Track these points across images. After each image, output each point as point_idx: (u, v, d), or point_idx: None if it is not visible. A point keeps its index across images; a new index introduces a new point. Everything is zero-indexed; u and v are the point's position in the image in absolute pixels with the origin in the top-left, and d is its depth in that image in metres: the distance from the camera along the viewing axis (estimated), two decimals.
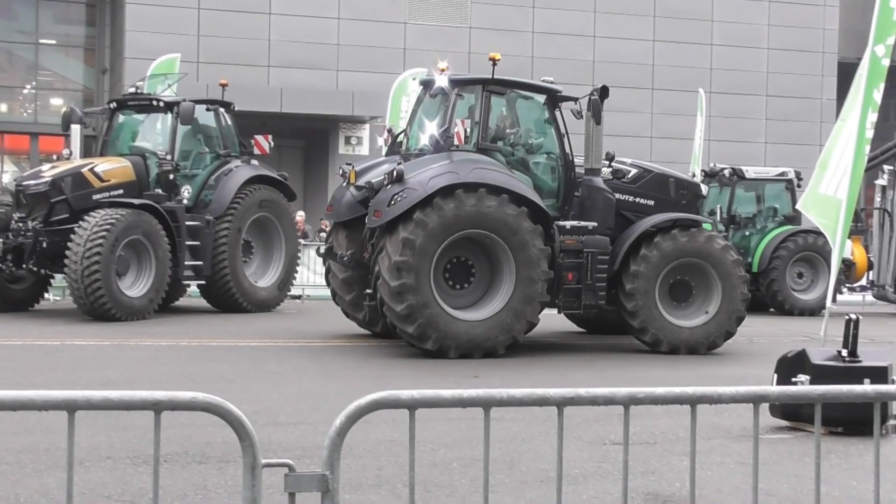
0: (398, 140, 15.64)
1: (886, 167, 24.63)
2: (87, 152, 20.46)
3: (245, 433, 3.61)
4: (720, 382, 5.08)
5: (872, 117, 12.54)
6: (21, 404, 3.50)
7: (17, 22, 34.57)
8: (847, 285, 24.64)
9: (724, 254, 14.93)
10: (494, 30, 33.74)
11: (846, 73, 37.50)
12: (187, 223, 18.58)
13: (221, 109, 20.10)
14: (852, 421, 8.52)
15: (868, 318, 14.30)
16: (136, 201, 17.78)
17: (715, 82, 35.51)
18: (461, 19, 33.98)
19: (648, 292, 14.64)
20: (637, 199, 15.31)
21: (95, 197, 17.91)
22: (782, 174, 24.42)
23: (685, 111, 31.39)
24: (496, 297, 13.97)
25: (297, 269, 21.09)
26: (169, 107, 19.10)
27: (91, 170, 18.19)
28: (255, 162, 20.23)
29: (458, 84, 14.70)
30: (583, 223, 14.55)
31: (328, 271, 15.84)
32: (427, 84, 15.28)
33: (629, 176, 15.46)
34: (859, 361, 8.78)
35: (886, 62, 12.59)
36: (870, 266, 24.24)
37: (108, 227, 16.92)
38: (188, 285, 19.94)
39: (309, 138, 34.20)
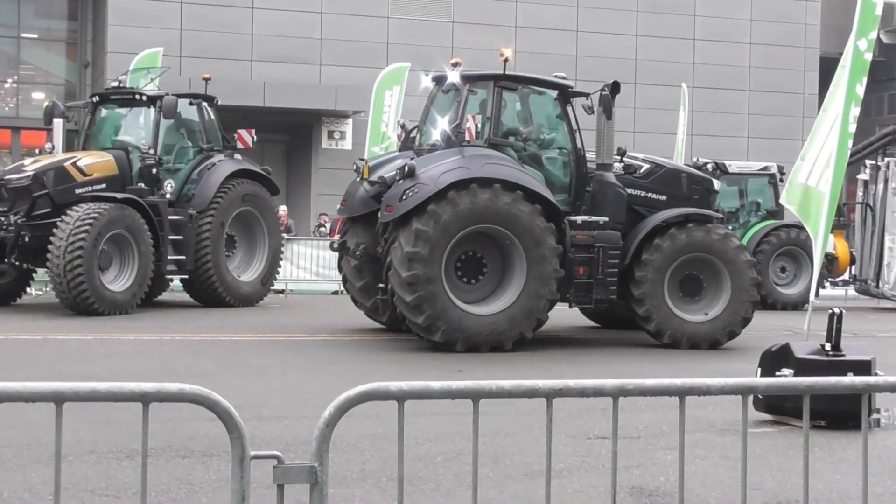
0: (411, 135, 15.66)
1: (868, 162, 24.71)
2: (69, 146, 20.35)
3: (234, 425, 3.59)
4: (704, 376, 5.08)
5: (855, 111, 12.57)
6: (8, 396, 3.47)
7: None
8: (830, 280, 24.74)
9: (737, 253, 14.90)
10: (477, 24, 33.71)
11: (828, 68, 37.57)
12: (170, 217, 18.52)
13: (204, 104, 20.04)
14: (835, 414, 8.53)
15: (850, 312, 14.32)
16: (118, 195, 17.71)
17: (697, 77, 35.57)
18: (444, 14, 33.93)
19: (657, 285, 14.67)
20: (649, 195, 15.34)
21: (78, 191, 17.83)
22: (765, 169, 24.47)
23: (668, 106, 31.42)
24: (507, 292, 14.03)
25: (280, 263, 21.05)
26: (152, 101, 19.03)
27: (74, 164, 18.10)
28: (238, 156, 20.18)
29: (470, 80, 14.80)
30: (594, 218, 14.61)
31: (344, 279, 16.02)
32: (439, 80, 15.33)
33: (641, 171, 15.50)
34: (843, 355, 8.80)
35: (869, 56, 12.62)
36: (852, 260, 24.33)
37: (90, 221, 16.85)
38: (171, 280, 19.89)
39: (292, 133, 34.13)
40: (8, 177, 17.95)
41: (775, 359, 9.02)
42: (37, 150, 20.46)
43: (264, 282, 20.35)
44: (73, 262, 16.59)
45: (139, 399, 3.54)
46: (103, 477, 6.58)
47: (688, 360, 13.64)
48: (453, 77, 14.69)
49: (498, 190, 13.68)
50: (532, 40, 34.03)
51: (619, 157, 15.15)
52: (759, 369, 9.16)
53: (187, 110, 19.75)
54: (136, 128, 19.60)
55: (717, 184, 16.31)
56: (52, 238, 16.84)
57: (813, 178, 12.85)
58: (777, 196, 23.71)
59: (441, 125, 14.76)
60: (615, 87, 14.65)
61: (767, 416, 8.98)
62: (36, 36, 35.33)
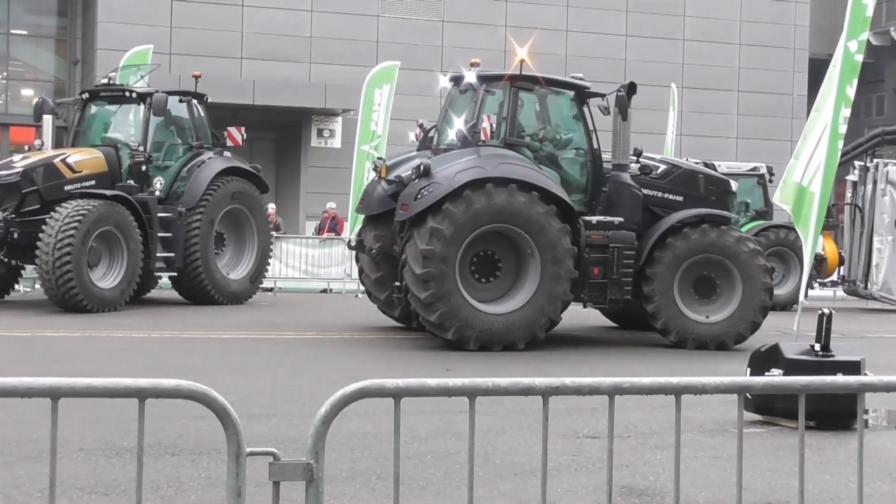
0: (429, 135, 15.68)
1: (857, 163, 24.78)
2: (58, 143, 20.31)
3: (230, 422, 3.57)
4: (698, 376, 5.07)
5: (845, 112, 12.60)
6: (4, 391, 3.44)
7: None
8: (818, 280, 24.79)
9: (750, 257, 14.84)
10: (467, 23, 33.72)
11: (817, 70, 37.66)
12: (159, 215, 18.48)
13: (194, 101, 19.99)
14: (824, 415, 8.54)
15: (839, 313, 14.35)
16: (107, 192, 17.67)
17: (687, 77, 35.61)
18: (434, 13, 33.92)
19: (667, 284, 14.67)
20: (666, 195, 15.35)
21: (67, 188, 17.78)
22: (754, 169, 24.50)
23: (657, 106, 31.44)
24: (520, 292, 14.07)
25: (270, 261, 21.02)
26: (141, 98, 18.98)
27: (63, 160, 18.05)
28: (227, 154, 20.14)
29: (487, 80, 14.84)
30: (609, 218, 14.65)
31: (360, 271, 16.03)
32: (457, 80, 15.35)
33: (658, 171, 15.53)
34: (832, 356, 8.80)
35: (860, 58, 12.64)
36: (841, 261, 24.37)
37: (79, 218, 16.80)
38: (160, 277, 19.84)
39: (281, 130, 34.09)
40: None
41: (765, 359, 9.02)
42: (26, 147, 20.38)
43: (253, 280, 20.32)
44: (61, 258, 16.53)
45: (135, 395, 3.52)
46: (92, 474, 6.56)
47: (677, 360, 13.63)
48: (470, 77, 14.77)
49: (514, 190, 13.73)
50: (522, 40, 33.99)
51: (635, 158, 15.18)
52: (749, 370, 9.16)
53: (177, 107, 19.69)
54: (126, 125, 19.55)
55: (734, 185, 16.27)
56: (41, 235, 16.79)
57: (806, 177, 12.87)
58: (766, 196, 23.76)
59: (457, 125, 14.85)
60: (631, 88, 14.71)
61: (757, 417, 8.98)
62: (25, 32, 35.21)
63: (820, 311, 8.97)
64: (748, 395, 8.46)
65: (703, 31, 36.40)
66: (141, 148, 18.65)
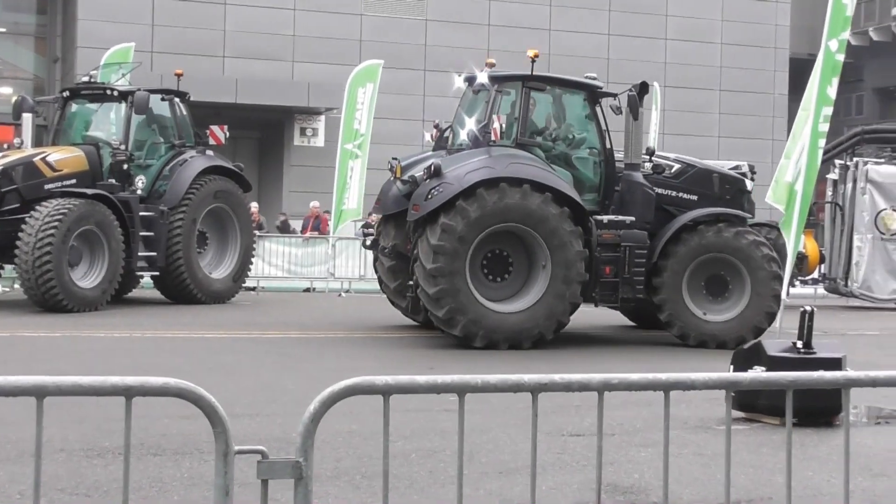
0: (445, 135, 15.73)
1: (838, 162, 24.88)
2: (38, 142, 20.21)
3: (218, 419, 3.55)
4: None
5: (826, 111, 12.64)
6: None
7: None
8: (799, 278, 24.86)
9: (763, 261, 14.75)
10: (451, 22, 33.72)
11: (798, 69, 37.83)
12: (141, 214, 18.40)
13: (176, 99, 19.92)
14: (806, 412, 8.55)
15: (820, 310, 14.40)
16: (88, 191, 17.58)
17: (669, 76, 35.67)
18: (418, 11, 33.90)
19: (675, 282, 14.69)
20: (680, 194, 15.35)
21: (47, 186, 17.69)
22: (736, 168, 24.49)
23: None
24: (530, 292, 14.12)
25: (252, 260, 20.96)
26: (123, 96, 18.90)
27: (43, 159, 17.95)
28: (210, 152, 20.07)
29: (499, 80, 14.87)
30: (620, 217, 14.69)
31: (375, 259, 16.19)
32: (470, 80, 15.38)
33: (672, 171, 15.55)
34: (814, 353, 8.84)
35: (841, 57, 12.68)
36: (822, 259, 24.47)
37: (60, 217, 16.72)
38: (142, 276, 19.76)
39: (264, 129, 34.01)
40: None
41: (748, 357, 9.05)
42: (5, 146, 20.30)
43: (236, 279, 20.26)
44: (41, 258, 16.45)
45: (122, 393, 3.49)
46: (73, 475, 6.51)
47: (656, 358, 13.65)
48: (482, 77, 14.80)
49: (527, 190, 13.79)
50: (505, 39, 34.02)
51: (647, 157, 15.20)
52: (732, 367, 9.18)
53: (159, 106, 19.62)
54: (107, 123, 19.46)
55: (749, 184, 16.25)
56: (20, 234, 16.69)
57: (795, 175, 12.92)
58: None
59: (469, 125, 14.93)
60: (643, 88, 14.78)
61: (740, 414, 8.99)
62: (4, 30, 35.04)
63: (802, 309, 9.01)
64: (732, 392, 8.50)
65: (685, 31, 36.50)
66: (122, 146, 18.57)
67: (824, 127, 12.59)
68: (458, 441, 3.84)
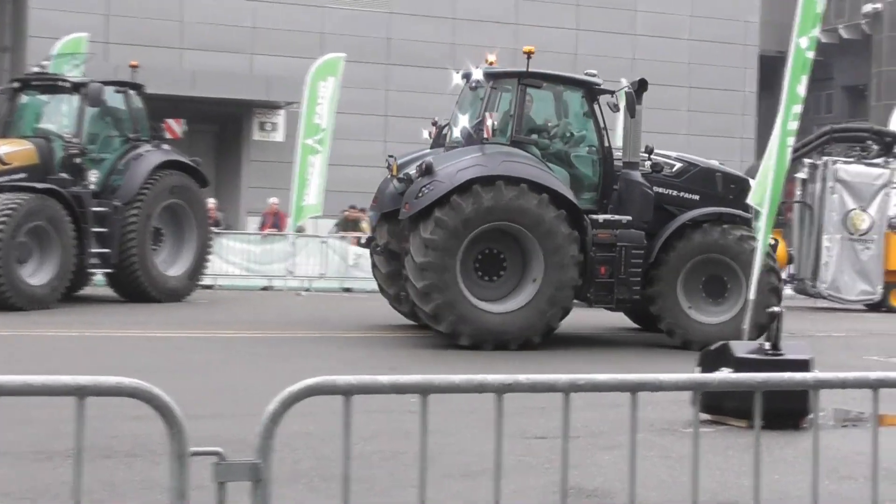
0: (444, 133, 15.79)
1: (807, 161, 25.07)
2: None
3: (173, 419, 3.53)
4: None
5: (795, 109, 12.72)
6: None
7: None
8: None
9: (753, 256, 14.67)
10: (416, 15, 33.69)
11: (767, 66, 38.14)
12: (94, 209, 18.27)
13: (131, 92, 19.82)
14: (773, 414, 8.59)
15: (788, 311, 14.49)
16: (39, 185, 17.43)
17: (637, 72, 35.62)
18: (382, 4, 33.85)
19: (670, 284, 14.71)
20: (682, 194, 15.35)
21: None
22: None
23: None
24: (521, 293, 14.15)
25: (209, 257, 20.86)
26: (76, 88, 18.76)
27: None
28: (166, 146, 19.99)
29: (494, 77, 14.91)
30: (616, 217, 14.69)
31: (373, 265, 16.27)
32: (467, 77, 15.37)
33: (674, 170, 15.58)
34: (782, 354, 8.90)
35: (811, 54, 12.77)
36: (790, 260, 24.65)
37: (8, 212, 16.58)
38: (94, 274, 19.61)
39: (222, 123, 33.84)
40: None
41: (715, 358, 9.10)
42: None
43: (192, 276, 20.16)
44: None
45: (75, 393, 3.46)
46: (21, 479, 6.45)
47: (621, 358, 13.71)
48: (477, 74, 14.81)
49: (524, 189, 13.83)
50: (472, 33, 34.04)
51: (646, 156, 15.20)
52: (699, 369, 9.23)
53: (113, 98, 19.49)
54: (59, 115, 19.28)
55: (753, 183, 16.24)
56: None
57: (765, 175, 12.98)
58: None
59: (462, 123, 14.97)
60: (642, 85, 14.76)
61: (706, 416, 9.04)
62: None
63: (770, 310, 9.07)
64: (699, 394, 8.55)
65: (654, 27, 36.66)
66: (75, 140, 18.43)
67: (793, 125, 12.68)
68: (421, 443, 3.85)
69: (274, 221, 26.28)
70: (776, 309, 9.12)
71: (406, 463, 7.07)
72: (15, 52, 33.05)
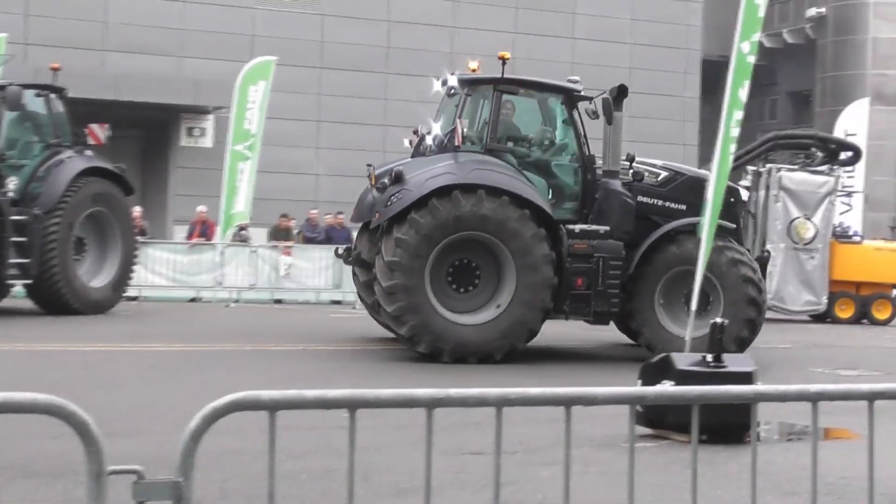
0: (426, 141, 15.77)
1: (750, 168, 25.33)
2: None
3: (90, 437, 3.49)
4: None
5: (738, 115, 12.87)
6: None
7: None
8: None
9: (729, 267, 14.64)
10: (348, 18, 33.65)
11: (710, 71, 38.53)
12: (13, 217, 18.05)
13: (52, 95, 19.62)
14: (717, 428, 8.69)
15: None
16: None
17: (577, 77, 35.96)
18: (313, 6, 33.79)
19: (647, 297, 14.65)
20: (667, 203, 15.25)
21: None
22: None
23: None
24: (497, 301, 14.13)
25: (134, 268, 20.69)
26: None
27: None
28: (88, 153, 19.80)
29: (468, 83, 14.93)
30: (594, 227, 14.63)
31: (353, 274, 16.32)
32: (445, 83, 15.33)
33: (659, 179, 15.51)
34: (725, 367, 8.98)
35: (752, 59, 12.93)
36: None
37: None
38: (13, 285, 19.37)
39: (148, 129, 33.58)
40: None
41: (656, 371, 9.16)
42: None
43: (116, 288, 19.98)
44: None
45: None
46: None
47: (561, 372, 13.76)
48: (452, 80, 14.82)
49: (482, 196, 13.83)
50: (407, 36, 34.10)
51: (628, 164, 15.16)
52: (640, 381, 9.29)
53: (33, 102, 19.30)
54: None
55: (744, 193, 16.19)
56: None
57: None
58: None
59: (435, 130, 15.04)
60: (621, 91, 14.76)
61: (647, 430, 9.11)
62: None
63: (712, 322, 9.15)
64: (639, 408, 8.60)
65: (594, 30, 36.90)
66: None
67: (735, 132, 12.82)
68: (349, 460, 3.85)
69: (202, 230, 26.09)
70: (718, 320, 9.20)
71: (337, 481, 7.06)
72: None
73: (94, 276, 19.70)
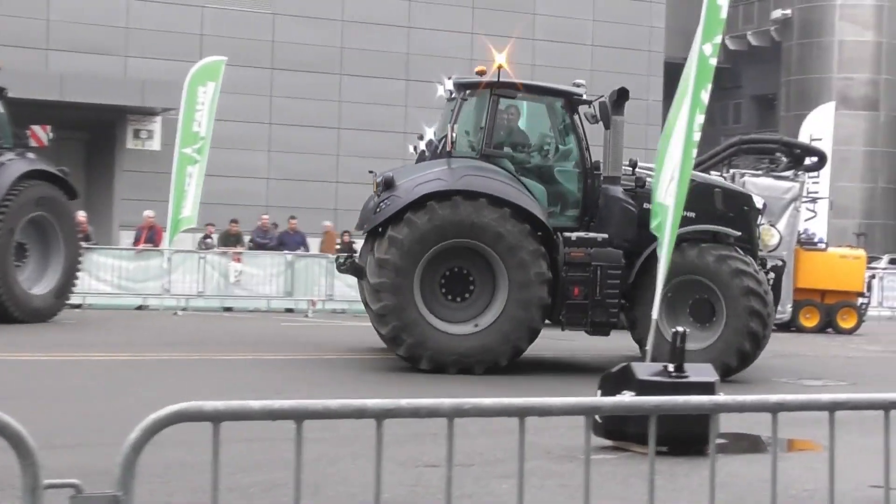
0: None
1: (713, 173, 25.44)
2: None
3: (25, 451, 3.46)
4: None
5: (700, 119, 12.95)
6: None
7: None
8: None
9: (731, 277, 14.44)
10: (301, 17, 33.61)
11: (673, 73, 38.72)
12: None
13: None
14: (678, 439, 8.74)
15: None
16: None
17: (538, 79, 36.01)
18: (264, 4, 33.72)
19: (648, 308, 14.46)
20: None
21: None
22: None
23: None
24: (486, 314, 14.08)
25: (78, 274, 20.55)
26: None
27: None
28: (30, 155, 19.67)
29: (464, 87, 14.96)
30: (591, 235, 14.51)
31: (359, 283, 16.16)
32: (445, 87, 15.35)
33: None
34: (686, 377, 9.02)
35: (714, 61, 13.01)
36: None
37: None
38: None
39: (93, 130, 33.39)
40: None
41: (616, 380, 9.18)
42: None
43: (59, 295, 19.83)
44: None
45: None
46: None
47: (519, 382, 13.77)
48: (448, 84, 14.89)
49: (483, 204, 13.80)
50: (360, 36, 34.09)
51: (630, 170, 15.09)
52: (600, 391, 9.32)
53: None
54: None
55: (759, 201, 15.97)
56: None
57: (661, 192, 13.12)
58: None
59: (429, 135, 15.13)
60: (621, 95, 14.76)
61: (607, 442, 9.14)
62: None
63: (673, 330, 9.20)
64: (598, 418, 8.64)
65: (555, 31, 37.04)
66: None
67: (697, 136, 12.89)
68: (295, 473, 3.84)
69: (149, 236, 25.94)
70: (679, 329, 9.25)
71: (287, 494, 7.00)
72: None
73: (36, 283, 19.56)
